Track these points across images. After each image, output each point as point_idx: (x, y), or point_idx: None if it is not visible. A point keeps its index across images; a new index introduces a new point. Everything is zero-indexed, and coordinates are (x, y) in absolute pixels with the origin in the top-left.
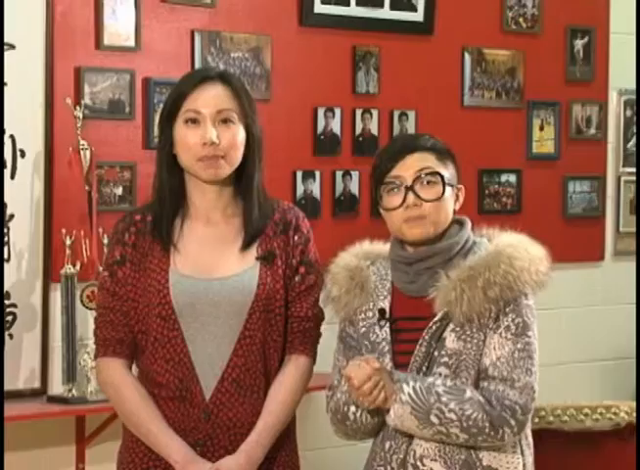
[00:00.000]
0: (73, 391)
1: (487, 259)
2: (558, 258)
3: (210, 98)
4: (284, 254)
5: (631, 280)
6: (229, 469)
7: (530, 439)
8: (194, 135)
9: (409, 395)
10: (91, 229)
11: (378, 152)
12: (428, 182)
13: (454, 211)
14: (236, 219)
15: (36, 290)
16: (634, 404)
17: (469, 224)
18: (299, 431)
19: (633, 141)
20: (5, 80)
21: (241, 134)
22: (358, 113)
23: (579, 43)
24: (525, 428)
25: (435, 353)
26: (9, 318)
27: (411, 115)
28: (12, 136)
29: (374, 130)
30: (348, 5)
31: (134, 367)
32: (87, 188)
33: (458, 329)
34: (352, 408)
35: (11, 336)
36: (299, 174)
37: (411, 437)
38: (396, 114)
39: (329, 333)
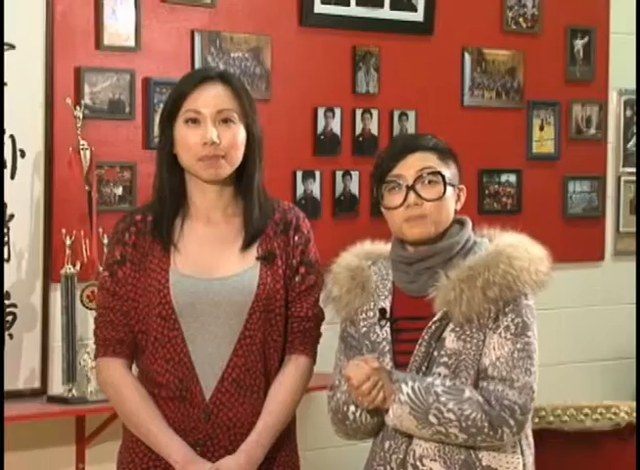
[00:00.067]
0: (73, 391)
1: (487, 259)
2: (558, 258)
3: (211, 98)
4: (284, 254)
5: (631, 280)
6: (229, 469)
7: (531, 439)
8: (194, 135)
9: (408, 395)
10: (91, 229)
11: (379, 151)
12: (429, 182)
13: (455, 211)
14: (236, 219)
15: (36, 290)
16: (634, 404)
17: (469, 224)
18: (300, 431)
19: (633, 141)
20: (5, 80)
21: (241, 134)
22: (358, 113)
23: (579, 43)
24: (525, 428)
25: (435, 353)
26: (9, 318)
27: (411, 115)
28: (12, 136)
29: (374, 130)
30: (348, 5)
31: (134, 367)
32: (87, 188)
33: (458, 329)
34: (352, 408)
35: (11, 336)
36: (299, 174)
37: (411, 437)
38: (396, 114)
39: (330, 333)
